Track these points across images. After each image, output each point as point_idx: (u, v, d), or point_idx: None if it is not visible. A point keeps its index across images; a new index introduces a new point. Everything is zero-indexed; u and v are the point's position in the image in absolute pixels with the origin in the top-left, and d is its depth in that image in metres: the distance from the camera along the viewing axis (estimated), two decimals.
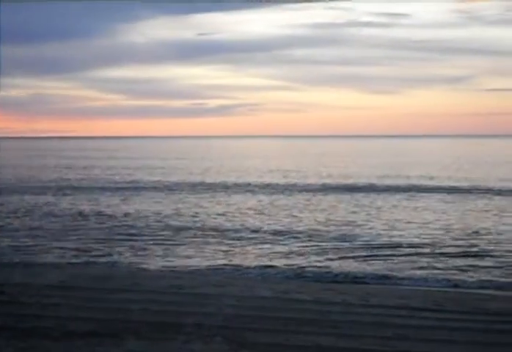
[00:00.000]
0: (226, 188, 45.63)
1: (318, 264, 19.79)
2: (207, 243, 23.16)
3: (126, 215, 30.54)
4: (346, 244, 22.90)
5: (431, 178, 53.33)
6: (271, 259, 20.48)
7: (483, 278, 18.09)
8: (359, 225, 27.31)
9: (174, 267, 19.33)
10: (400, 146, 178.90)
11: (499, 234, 25.00)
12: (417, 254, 21.25)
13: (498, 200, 36.88)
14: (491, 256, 20.83)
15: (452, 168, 68.10)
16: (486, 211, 31.88)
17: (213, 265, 19.57)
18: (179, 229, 26.05)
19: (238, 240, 23.95)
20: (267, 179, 53.65)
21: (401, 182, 49.25)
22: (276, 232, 25.47)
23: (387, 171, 62.64)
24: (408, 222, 28.14)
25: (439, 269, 19.08)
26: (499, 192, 41.16)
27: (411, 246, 22.64)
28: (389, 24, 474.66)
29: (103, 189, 44.34)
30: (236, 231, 25.94)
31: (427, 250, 21.91)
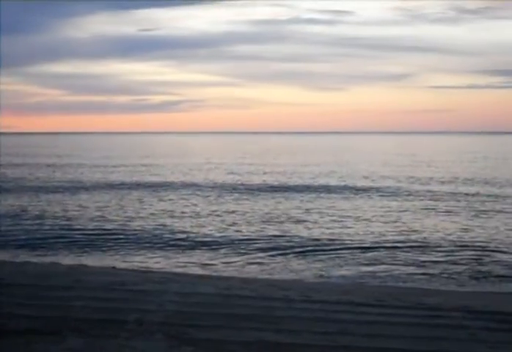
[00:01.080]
0: (171, 187, 44.64)
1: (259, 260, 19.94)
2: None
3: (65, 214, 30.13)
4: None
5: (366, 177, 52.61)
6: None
7: (422, 272, 18.35)
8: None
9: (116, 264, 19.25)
10: (343, 143, 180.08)
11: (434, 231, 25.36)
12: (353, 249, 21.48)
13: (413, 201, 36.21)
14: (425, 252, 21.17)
15: (389, 167, 68.75)
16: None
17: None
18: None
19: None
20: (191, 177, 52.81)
21: (332, 182, 48.03)
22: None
23: (320, 169, 62.52)
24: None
25: (379, 265, 19.29)
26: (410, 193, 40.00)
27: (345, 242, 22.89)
28: (333, 21, 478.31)
29: (32, 189, 42.95)
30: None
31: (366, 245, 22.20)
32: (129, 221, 27.34)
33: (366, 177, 52.23)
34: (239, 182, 47.36)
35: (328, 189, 42.10)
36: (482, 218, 28.60)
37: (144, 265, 19.24)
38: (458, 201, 35.19)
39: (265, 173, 56.76)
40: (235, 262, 19.82)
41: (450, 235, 24.38)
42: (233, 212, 30.65)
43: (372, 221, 27.75)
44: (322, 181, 48.56)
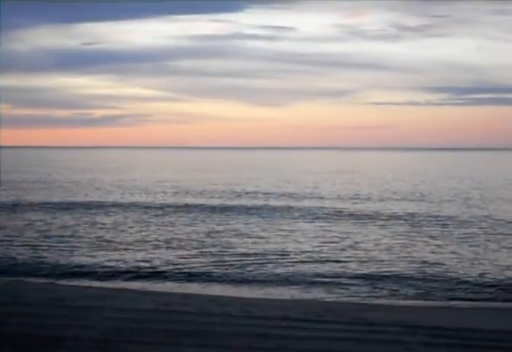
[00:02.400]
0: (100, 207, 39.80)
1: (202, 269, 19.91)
2: None
3: None
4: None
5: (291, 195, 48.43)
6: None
7: (360, 287, 18.48)
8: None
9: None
10: (283, 158, 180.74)
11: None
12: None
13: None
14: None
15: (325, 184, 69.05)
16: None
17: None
18: None
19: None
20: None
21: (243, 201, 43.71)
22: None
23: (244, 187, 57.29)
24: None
25: (317, 280, 19.38)
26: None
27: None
28: (274, 37, 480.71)
29: None
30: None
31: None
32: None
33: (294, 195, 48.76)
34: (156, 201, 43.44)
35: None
36: (422, 234, 28.90)
37: (84, 283, 18.93)
38: (398, 218, 35.48)
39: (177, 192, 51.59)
40: (174, 278, 19.69)
41: (389, 249, 24.58)
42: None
43: (311, 238, 27.86)
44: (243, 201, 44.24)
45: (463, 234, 28.83)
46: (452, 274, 20.16)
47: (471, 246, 25.61)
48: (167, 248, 24.62)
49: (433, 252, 24.10)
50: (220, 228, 30.14)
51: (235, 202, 42.54)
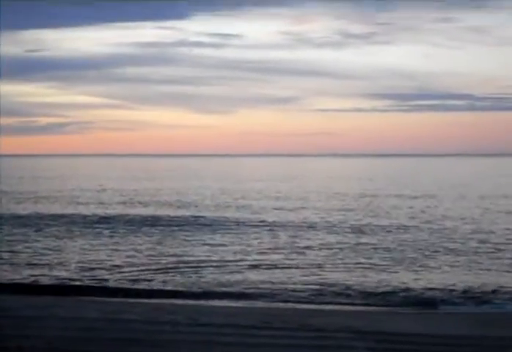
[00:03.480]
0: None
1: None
2: None
3: None
4: None
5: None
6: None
7: (306, 292, 18.54)
8: None
9: None
10: (228, 165, 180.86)
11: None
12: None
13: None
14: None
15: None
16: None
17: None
18: None
19: None
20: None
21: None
22: None
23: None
24: None
25: (264, 286, 19.39)
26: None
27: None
28: (220, 44, 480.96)
29: None
30: None
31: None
32: None
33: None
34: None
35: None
36: (364, 236, 29.14)
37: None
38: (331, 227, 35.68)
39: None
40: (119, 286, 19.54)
41: (334, 255, 24.69)
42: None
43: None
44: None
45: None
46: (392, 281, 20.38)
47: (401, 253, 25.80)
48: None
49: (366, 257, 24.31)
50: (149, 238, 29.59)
51: (160, 213, 40.30)
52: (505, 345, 11.89)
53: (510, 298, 18.06)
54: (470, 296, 18.16)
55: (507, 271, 21.83)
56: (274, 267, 22.39)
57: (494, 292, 18.55)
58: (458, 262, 23.40)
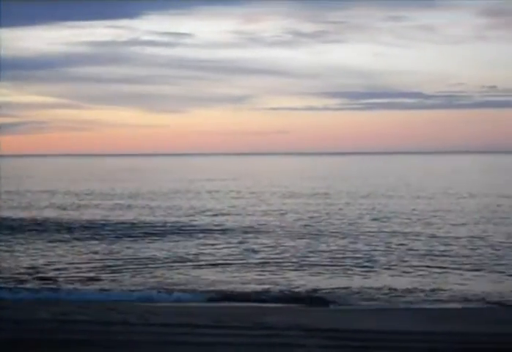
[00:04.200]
0: None
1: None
2: None
3: None
4: None
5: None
6: None
7: (260, 291, 18.59)
8: None
9: None
10: (183, 165, 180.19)
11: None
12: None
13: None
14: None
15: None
16: None
17: None
18: None
19: None
20: None
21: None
22: None
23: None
24: None
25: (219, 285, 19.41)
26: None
27: None
28: (172, 43, 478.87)
29: None
30: None
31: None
32: None
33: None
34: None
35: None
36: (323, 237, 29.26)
37: None
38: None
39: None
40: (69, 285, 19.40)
41: (288, 252, 24.80)
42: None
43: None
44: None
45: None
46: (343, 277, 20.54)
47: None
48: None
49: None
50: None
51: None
52: (452, 340, 12.05)
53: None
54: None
55: None
56: (227, 266, 22.45)
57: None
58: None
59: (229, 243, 27.92)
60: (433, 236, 29.30)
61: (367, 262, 23.18)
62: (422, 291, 18.57)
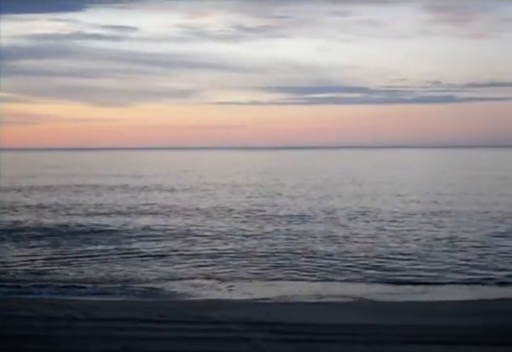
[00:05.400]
0: None
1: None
2: None
3: None
4: None
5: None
6: None
7: (204, 285, 18.60)
8: None
9: None
10: (129, 160, 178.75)
11: None
12: None
13: None
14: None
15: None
16: None
17: None
18: None
19: None
20: None
21: None
22: None
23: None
24: None
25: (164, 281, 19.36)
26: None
27: None
28: (117, 37, 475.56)
29: None
30: None
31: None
32: None
33: None
34: None
35: None
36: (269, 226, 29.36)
37: None
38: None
39: None
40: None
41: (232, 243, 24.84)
42: None
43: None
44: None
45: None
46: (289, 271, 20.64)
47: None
48: None
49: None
50: None
51: None
52: (400, 333, 12.17)
53: None
54: None
55: None
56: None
57: None
58: None
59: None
60: None
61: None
62: None
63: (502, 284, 19.16)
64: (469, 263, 21.85)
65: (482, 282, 19.26)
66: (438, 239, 26.85)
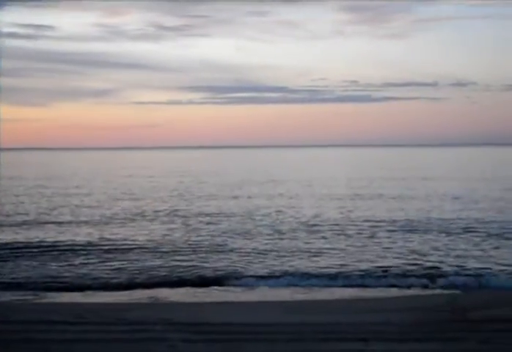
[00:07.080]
0: None
1: None
2: None
3: None
4: None
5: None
6: None
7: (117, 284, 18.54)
8: None
9: None
10: (48, 160, 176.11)
11: None
12: None
13: None
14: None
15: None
16: None
17: None
18: None
19: None
20: None
21: None
22: None
23: None
24: None
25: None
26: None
27: None
28: (34, 36, 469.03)
29: None
30: None
31: None
32: None
33: None
34: None
35: None
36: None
37: None
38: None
39: None
40: None
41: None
42: None
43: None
44: None
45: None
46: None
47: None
48: None
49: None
50: None
51: None
52: (320, 330, 12.25)
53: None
54: None
55: None
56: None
57: None
58: None
59: None
60: None
61: None
62: None
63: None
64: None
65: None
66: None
